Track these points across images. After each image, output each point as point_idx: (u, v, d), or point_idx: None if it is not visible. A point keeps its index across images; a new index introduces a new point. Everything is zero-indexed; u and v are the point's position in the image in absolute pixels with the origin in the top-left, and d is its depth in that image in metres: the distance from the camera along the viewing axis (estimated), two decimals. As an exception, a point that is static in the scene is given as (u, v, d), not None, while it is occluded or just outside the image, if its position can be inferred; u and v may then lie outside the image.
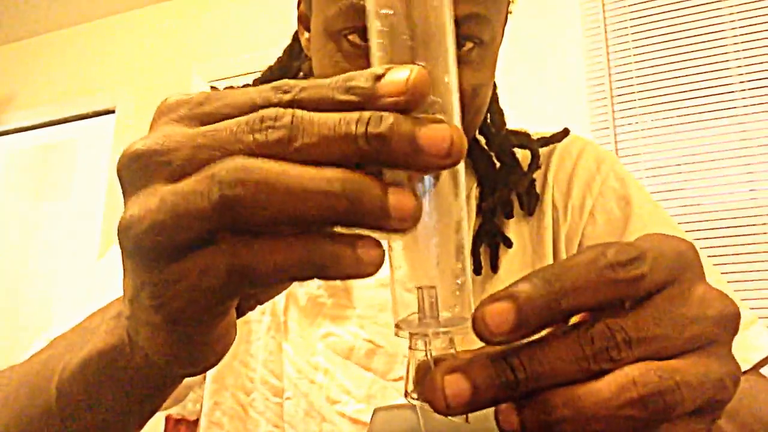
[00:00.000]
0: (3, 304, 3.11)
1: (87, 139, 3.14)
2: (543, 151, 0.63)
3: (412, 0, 0.24)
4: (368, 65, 0.52)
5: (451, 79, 0.25)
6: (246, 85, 0.43)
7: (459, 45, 0.49)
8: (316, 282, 0.59)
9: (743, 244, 1.87)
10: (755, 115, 1.93)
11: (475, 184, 0.63)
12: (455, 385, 0.22)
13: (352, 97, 0.21)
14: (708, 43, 2.01)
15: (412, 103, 0.21)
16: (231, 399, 0.61)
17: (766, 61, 1.95)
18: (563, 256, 0.59)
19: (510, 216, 0.61)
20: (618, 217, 0.59)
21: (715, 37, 2.01)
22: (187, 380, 0.48)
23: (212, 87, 2.74)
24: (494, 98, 0.63)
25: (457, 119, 0.25)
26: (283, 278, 0.21)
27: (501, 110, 0.65)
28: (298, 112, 0.21)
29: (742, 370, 0.27)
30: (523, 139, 0.63)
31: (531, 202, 0.61)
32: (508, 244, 0.60)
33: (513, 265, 0.59)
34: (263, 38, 2.67)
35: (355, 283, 0.59)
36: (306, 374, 0.58)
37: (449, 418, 0.22)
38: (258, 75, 0.67)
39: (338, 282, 0.59)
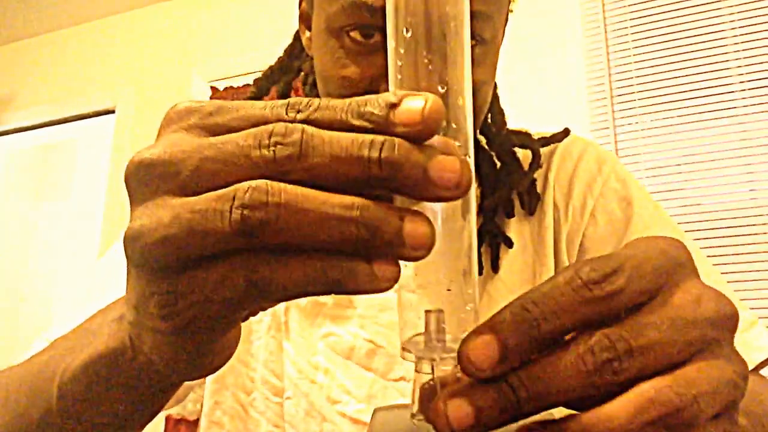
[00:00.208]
0: (3, 304, 3.11)
1: (87, 139, 3.14)
2: (544, 151, 0.63)
3: (432, 22, 0.24)
4: (369, 63, 0.51)
5: (466, 102, 0.25)
6: (246, 86, 0.43)
7: None
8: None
9: (743, 244, 1.87)
10: (755, 115, 1.93)
11: (476, 184, 0.63)
12: (459, 410, 0.21)
13: (366, 123, 0.21)
14: (708, 43, 2.01)
15: (425, 133, 0.21)
16: (231, 399, 0.61)
17: (766, 61, 1.95)
18: (564, 256, 0.59)
19: (511, 215, 0.61)
20: (619, 218, 0.59)
21: (715, 37, 2.01)
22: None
23: (212, 87, 2.74)
24: (495, 98, 0.63)
25: (470, 143, 0.25)
26: (299, 293, 0.21)
27: (502, 110, 0.65)
28: (309, 128, 0.21)
29: None
30: (523, 138, 0.63)
31: (532, 202, 0.61)
32: (509, 243, 0.60)
33: (514, 265, 0.60)
34: (263, 38, 2.67)
35: None
36: (306, 374, 0.58)
37: None
38: (258, 75, 0.67)
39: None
